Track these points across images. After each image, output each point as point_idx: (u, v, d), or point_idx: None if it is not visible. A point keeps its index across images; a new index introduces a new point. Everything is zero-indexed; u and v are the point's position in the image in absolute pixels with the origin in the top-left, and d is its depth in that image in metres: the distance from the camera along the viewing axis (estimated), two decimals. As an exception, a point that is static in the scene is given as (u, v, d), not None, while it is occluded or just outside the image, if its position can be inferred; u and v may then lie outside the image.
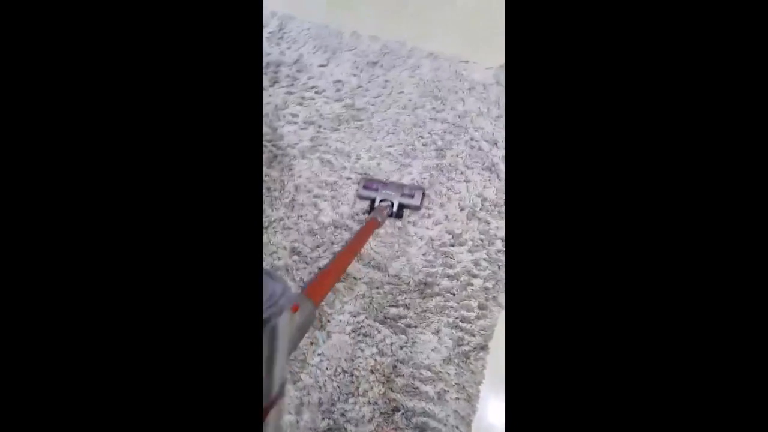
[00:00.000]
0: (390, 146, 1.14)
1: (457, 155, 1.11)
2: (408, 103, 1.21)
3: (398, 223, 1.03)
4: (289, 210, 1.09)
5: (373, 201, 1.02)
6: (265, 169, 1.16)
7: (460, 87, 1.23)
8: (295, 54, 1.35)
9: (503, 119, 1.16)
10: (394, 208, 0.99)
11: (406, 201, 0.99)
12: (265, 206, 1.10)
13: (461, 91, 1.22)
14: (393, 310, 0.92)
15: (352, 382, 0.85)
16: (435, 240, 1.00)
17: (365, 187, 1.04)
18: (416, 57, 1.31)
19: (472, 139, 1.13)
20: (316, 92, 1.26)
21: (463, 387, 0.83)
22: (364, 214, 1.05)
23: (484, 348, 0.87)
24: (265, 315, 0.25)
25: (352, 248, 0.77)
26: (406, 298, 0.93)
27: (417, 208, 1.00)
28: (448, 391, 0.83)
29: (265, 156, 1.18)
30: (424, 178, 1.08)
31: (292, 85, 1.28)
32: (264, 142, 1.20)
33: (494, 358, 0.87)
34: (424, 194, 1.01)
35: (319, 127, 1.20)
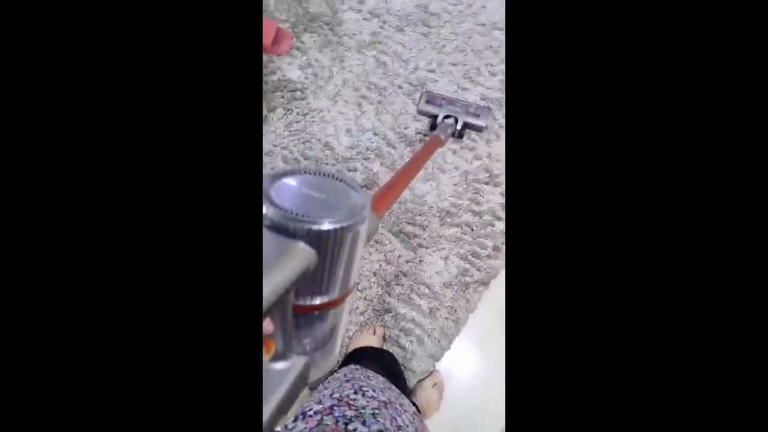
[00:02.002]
0: (454, 65, 1.04)
1: (521, 94, 1.02)
2: (487, 21, 1.07)
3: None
4: (332, 103, 1.04)
5: (435, 117, 0.88)
6: (316, 54, 1.08)
7: (550, 18, 1.08)
8: (377, -72, 1.17)
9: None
10: (458, 126, 0.86)
11: (471, 120, 0.86)
12: (308, 93, 1.05)
13: (550, 23, 1.07)
14: (409, 227, 0.94)
15: (355, 277, 0.90)
16: (470, 174, 0.97)
17: (428, 102, 0.90)
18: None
19: (543, 81, 1.03)
20: (390, -20, 1.11)
21: (455, 311, 0.88)
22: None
23: (485, 284, 0.90)
24: (351, 221, 0.22)
25: (414, 165, 0.69)
26: (424, 220, 0.94)
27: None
28: (440, 310, 0.88)
29: (318, 40, 1.09)
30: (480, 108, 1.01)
31: (366, -36, 1.13)
32: (321, 24, 1.10)
33: (491, 296, 0.90)
34: (489, 114, 0.88)
35: (384, 22, 1.08)
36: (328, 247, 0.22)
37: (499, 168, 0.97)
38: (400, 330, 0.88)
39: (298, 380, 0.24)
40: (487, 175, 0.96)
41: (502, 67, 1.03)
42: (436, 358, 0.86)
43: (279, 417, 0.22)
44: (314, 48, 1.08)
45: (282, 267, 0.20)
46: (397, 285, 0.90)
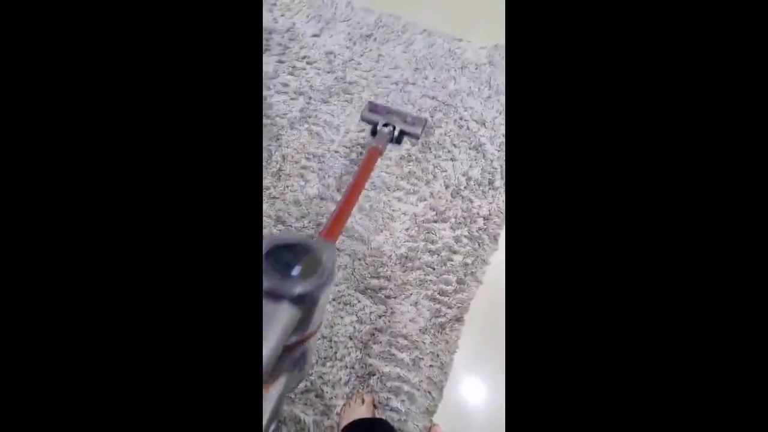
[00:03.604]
0: (379, 121, 1.14)
1: (445, 134, 1.12)
2: (400, 79, 1.20)
3: (383, 197, 1.04)
4: (276, 179, 1.09)
5: (375, 125, 0.99)
6: (252, 138, 1.14)
7: (452, 65, 1.22)
8: (288, 22, 1.31)
9: (493, 99, 1.16)
10: (395, 134, 0.96)
11: (408, 128, 0.97)
12: (251, 175, 1.09)
13: (454, 69, 1.21)
14: (374, 282, 0.94)
15: (331, 347, 0.88)
16: (419, 216, 1.01)
17: (371, 110, 1.02)
18: (410, 32, 1.29)
19: (461, 119, 1.14)
20: (308, 62, 1.24)
21: (438, 355, 0.87)
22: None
23: (459, 320, 0.90)
24: (322, 281, 0.31)
25: (358, 181, 0.76)
26: (387, 271, 0.95)
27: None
28: (422, 358, 0.87)
29: (252, 125, 1.16)
30: (411, 154, 1.09)
31: (284, 53, 1.25)
32: (252, 111, 1.18)
33: (469, 330, 0.90)
34: (425, 125, 0.99)
35: (309, 98, 1.18)
36: (307, 302, 0.30)
37: (443, 204, 1.02)
38: (389, 391, 0.84)
39: (284, 391, 0.34)
40: (434, 213, 1.01)
41: (423, 116, 1.14)
42: (431, 411, 0.83)
43: (274, 418, 0.31)
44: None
45: (276, 331, 0.27)
46: (374, 344, 0.89)
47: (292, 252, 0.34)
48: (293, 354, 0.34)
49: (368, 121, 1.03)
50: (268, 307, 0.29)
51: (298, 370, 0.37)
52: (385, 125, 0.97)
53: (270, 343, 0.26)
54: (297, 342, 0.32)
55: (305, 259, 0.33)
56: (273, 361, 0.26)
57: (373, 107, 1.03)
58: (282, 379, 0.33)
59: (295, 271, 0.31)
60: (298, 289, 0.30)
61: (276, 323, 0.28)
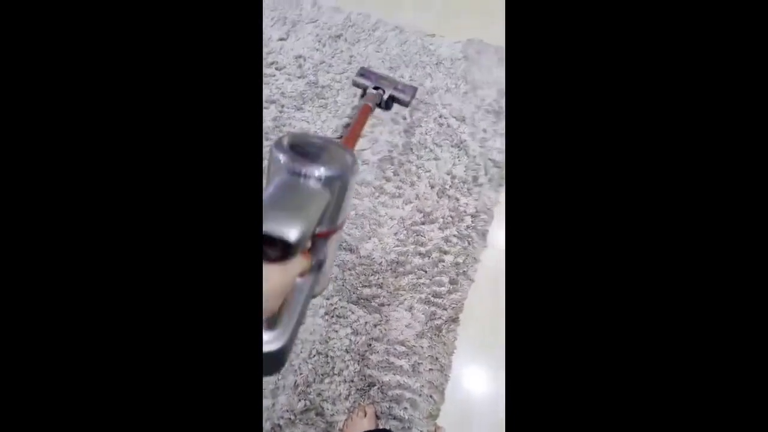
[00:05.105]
0: (357, 125, 1.11)
1: (425, 133, 1.10)
2: (375, 80, 1.17)
3: (368, 203, 1.01)
4: (255, 194, 1.04)
5: (365, 89, 1.00)
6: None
7: (427, 62, 1.20)
8: (251, 26, 1.26)
9: (470, 95, 1.15)
10: (384, 98, 0.97)
11: (397, 94, 0.97)
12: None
13: (429, 66, 1.19)
14: (366, 291, 0.93)
15: (327, 362, 0.86)
16: (406, 219, 1.00)
17: (361, 75, 1.02)
18: (381, 30, 1.26)
19: (440, 116, 1.12)
20: (277, 68, 1.19)
21: (436, 359, 0.86)
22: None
23: (455, 320, 0.90)
24: (339, 172, 0.28)
25: (354, 131, 0.81)
26: (378, 278, 0.94)
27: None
28: (421, 363, 0.86)
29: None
30: (393, 157, 1.07)
31: (251, 60, 1.20)
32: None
33: (464, 329, 0.90)
34: (415, 93, 0.99)
35: (282, 106, 1.14)
36: (337, 188, 0.29)
37: (430, 205, 1.01)
38: (390, 400, 0.83)
39: (310, 292, 0.31)
40: (421, 215, 1.00)
41: (402, 114, 1.12)
42: (434, 415, 0.82)
43: (300, 323, 0.28)
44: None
45: (307, 206, 0.26)
46: (372, 354, 0.87)
47: (314, 146, 0.32)
48: (318, 248, 0.32)
49: (358, 86, 1.04)
50: (297, 184, 0.26)
51: (321, 275, 0.35)
52: (375, 88, 0.99)
53: (303, 218, 0.24)
54: (326, 232, 0.31)
55: (329, 151, 0.32)
56: (305, 240, 0.23)
57: (364, 72, 1.04)
58: (307, 281, 0.31)
59: (321, 160, 0.30)
60: (328, 171, 0.28)
61: (308, 199, 0.26)
